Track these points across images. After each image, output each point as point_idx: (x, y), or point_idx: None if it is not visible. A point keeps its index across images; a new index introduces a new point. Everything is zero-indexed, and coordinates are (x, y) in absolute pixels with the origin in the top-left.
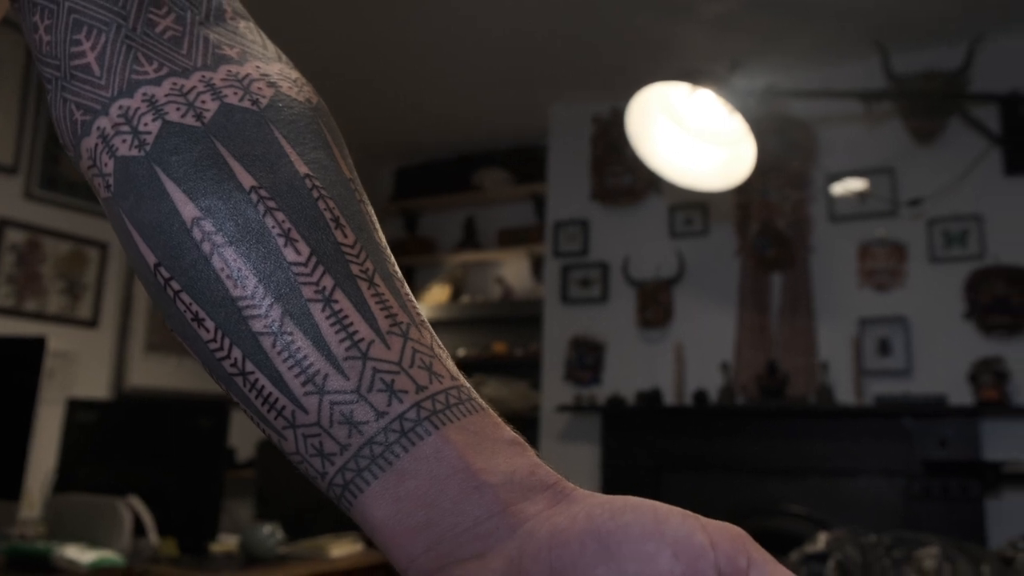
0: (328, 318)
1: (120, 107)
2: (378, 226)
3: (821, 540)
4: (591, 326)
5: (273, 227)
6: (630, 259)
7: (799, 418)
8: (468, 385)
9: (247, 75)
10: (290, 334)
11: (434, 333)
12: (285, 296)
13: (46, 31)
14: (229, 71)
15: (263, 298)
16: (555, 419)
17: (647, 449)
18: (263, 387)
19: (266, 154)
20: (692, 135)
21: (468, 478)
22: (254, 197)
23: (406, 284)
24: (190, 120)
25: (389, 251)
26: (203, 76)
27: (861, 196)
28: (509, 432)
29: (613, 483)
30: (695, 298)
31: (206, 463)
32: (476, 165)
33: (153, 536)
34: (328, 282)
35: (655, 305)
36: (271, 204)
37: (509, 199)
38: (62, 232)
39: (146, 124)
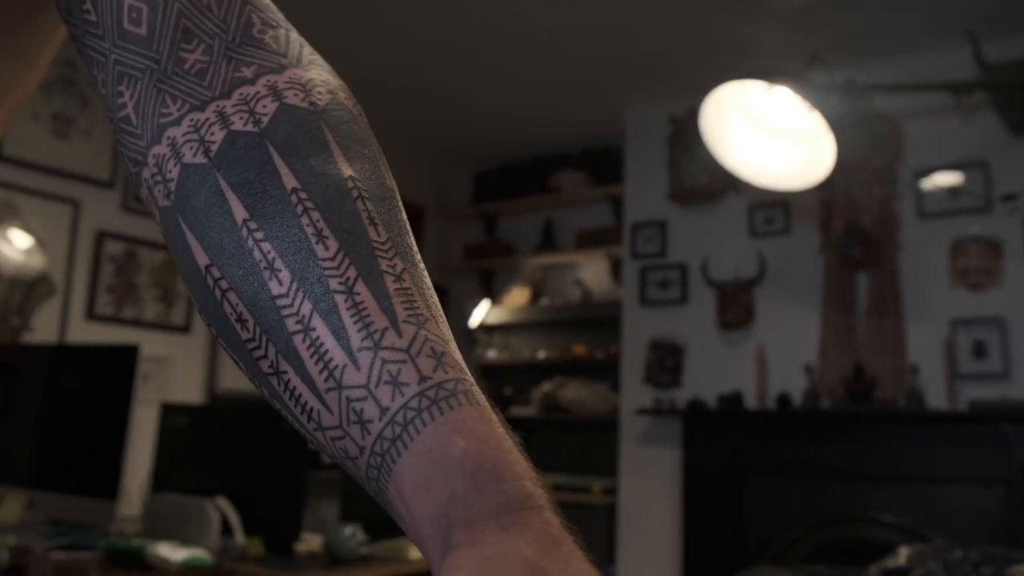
0: (349, 308)
1: (154, 156)
2: (411, 234)
3: (902, 554)
4: (671, 328)
5: (307, 225)
6: (709, 260)
7: (888, 423)
8: (471, 379)
9: (255, 94)
10: (315, 329)
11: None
12: (314, 290)
13: (101, 84)
14: (241, 94)
15: (296, 293)
16: (635, 422)
17: (729, 453)
18: (295, 387)
19: (263, 181)
20: (769, 134)
21: (467, 471)
22: (294, 199)
23: (434, 292)
24: (200, 159)
25: (421, 261)
26: (217, 106)
27: (952, 192)
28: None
29: (694, 487)
30: (777, 298)
31: (289, 466)
32: (553, 167)
33: (239, 536)
34: (352, 273)
35: (736, 306)
36: (308, 204)
37: (586, 201)
38: (157, 242)
39: (169, 171)
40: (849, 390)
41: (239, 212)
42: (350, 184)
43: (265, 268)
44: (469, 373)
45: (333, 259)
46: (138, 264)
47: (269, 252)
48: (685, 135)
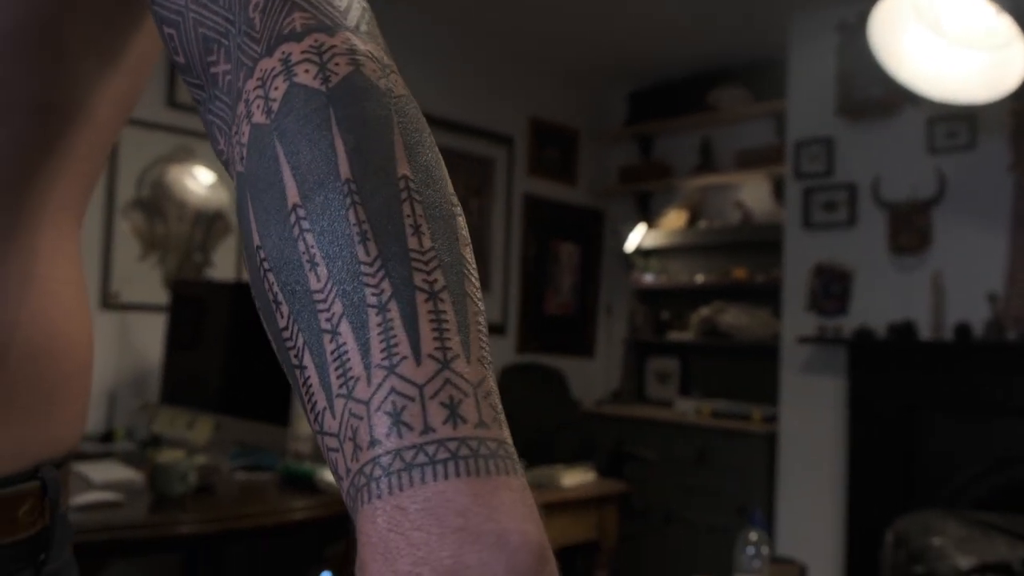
0: (378, 325)
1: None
2: (469, 244)
3: None
4: (837, 253)
5: (353, 224)
6: (881, 179)
7: None
8: (501, 439)
9: (331, 47)
10: (341, 334)
11: (490, 378)
12: (348, 294)
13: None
14: (315, 39)
15: (330, 291)
16: (797, 350)
17: (899, 386)
18: (311, 386)
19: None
20: (949, 40)
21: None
22: (346, 188)
23: (482, 315)
24: (262, 118)
25: (473, 273)
26: (283, 51)
27: None
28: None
29: (860, 421)
30: (958, 220)
31: None
32: (711, 84)
33: None
34: (387, 287)
35: (910, 229)
36: (357, 199)
37: (747, 118)
38: None
39: (243, 131)
40: None
41: (291, 193)
42: (402, 184)
43: (307, 261)
44: (486, 426)
45: (371, 264)
46: None
47: (312, 246)
48: (855, 44)
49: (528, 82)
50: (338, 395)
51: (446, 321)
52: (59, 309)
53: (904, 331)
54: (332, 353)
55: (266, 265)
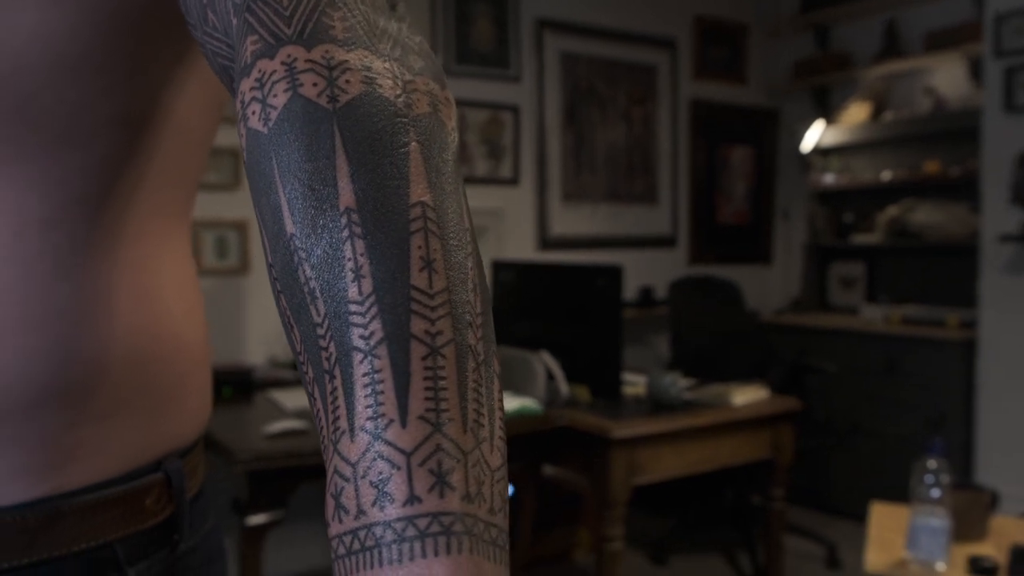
0: (364, 375)
1: (259, 69)
2: (488, 295)
3: None
4: None
5: (348, 259)
6: None
7: None
8: (488, 520)
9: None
10: (335, 378)
11: (494, 448)
12: (339, 336)
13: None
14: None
15: (327, 330)
16: (999, 249)
17: None
18: (316, 411)
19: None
20: None
21: None
22: (344, 220)
23: (495, 379)
24: (324, 101)
25: (485, 316)
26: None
27: None
28: None
29: None
30: None
31: (605, 319)
32: None
33: (563, 386)
34: (377, 330)
35: None
36: (357, 230)
37: None
38: (479, 101)
39: (275, 94)
40: None
41: (287, 219)
42: (416, 212)
43: (308, 293)
44: (471, 500)
45: (362, 304)
46: (465, 124)
47: (311, 278)
48: None
49: None
50: (324, 447)
51: (443, 379)
52: (166, 315)
53: None
54: (330, 395)
55: (302, 255)
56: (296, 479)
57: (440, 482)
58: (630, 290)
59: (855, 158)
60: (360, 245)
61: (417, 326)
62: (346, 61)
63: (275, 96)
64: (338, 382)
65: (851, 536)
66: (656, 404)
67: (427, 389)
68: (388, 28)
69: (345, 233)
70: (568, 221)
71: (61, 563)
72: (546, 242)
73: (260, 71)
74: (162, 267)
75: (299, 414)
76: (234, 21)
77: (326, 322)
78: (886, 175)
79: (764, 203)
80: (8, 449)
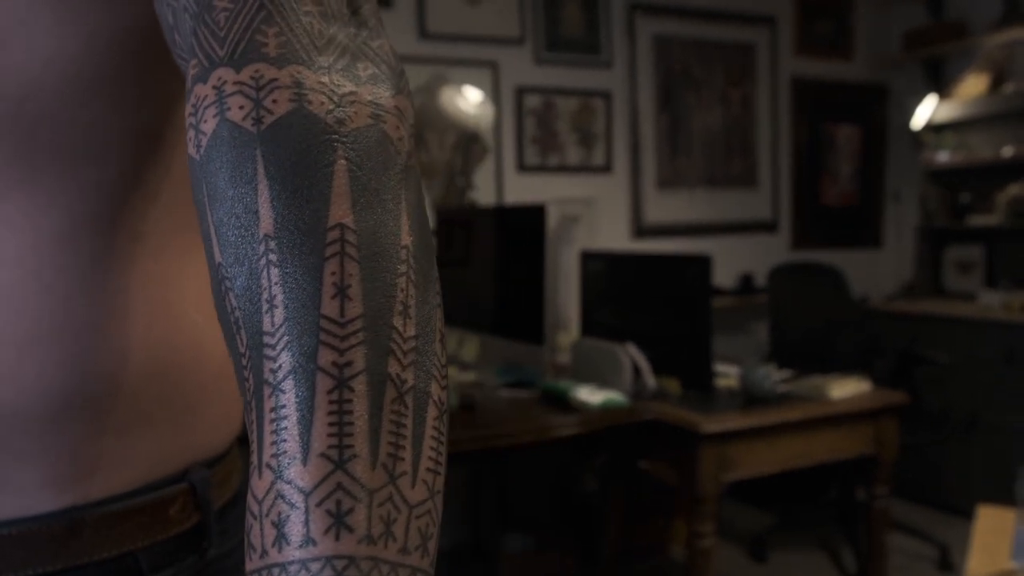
0: (270, 411)
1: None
2: (429, 318)
3: None
4: None
5: (264, 288)
6: None
7: None
8: (394, 559)
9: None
10: (252, 411)
11: (417, 482)
12: (255, 368)
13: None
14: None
15: (248, 360)
16: None
17: None
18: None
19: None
20: None
21: None
22: (262, 248)
23: (429, 407)
24: (248, 124)
25: (432, 356)
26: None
27: None
28: None
29: None
30: None
31: (695, 309)
32: None
33: (649, 378)
34: (285, 363)
35: None
36: (273, 258)
37: None
38: (570, 89)
39: (205, 119)
40: None
41: (215, 248)
42: (333, 236)
43: (233, 323)
44: (373, 541)
45: (273, 335)
46: (555, 112)
47: (235, 308)
48: None
49: None
50: (252, 472)
51: (349, 413)
52: (187, 326)
53: None
54: (250, 427)
55: (228, 284)
56: None
57: (337, 523)
58: (729, 277)
59: (972, 134)
60: (275, 274)
61: (324, 358)
62: (275, 80)
63: (205, 122)
64: (253, 415)
65: (966, 537)
66: (749, 397)
67: (331, 424)
68: (337, 36)
69: (263, 262)
70: (664, 208)
71: (84, 571)
72: (641, 230)
73: (196, 96)
74: (185, 280)
75: None
76: (192, 42)
77: (248, 353)
78: (1007, 151)
79: (873, 184)
80: (31, 461)
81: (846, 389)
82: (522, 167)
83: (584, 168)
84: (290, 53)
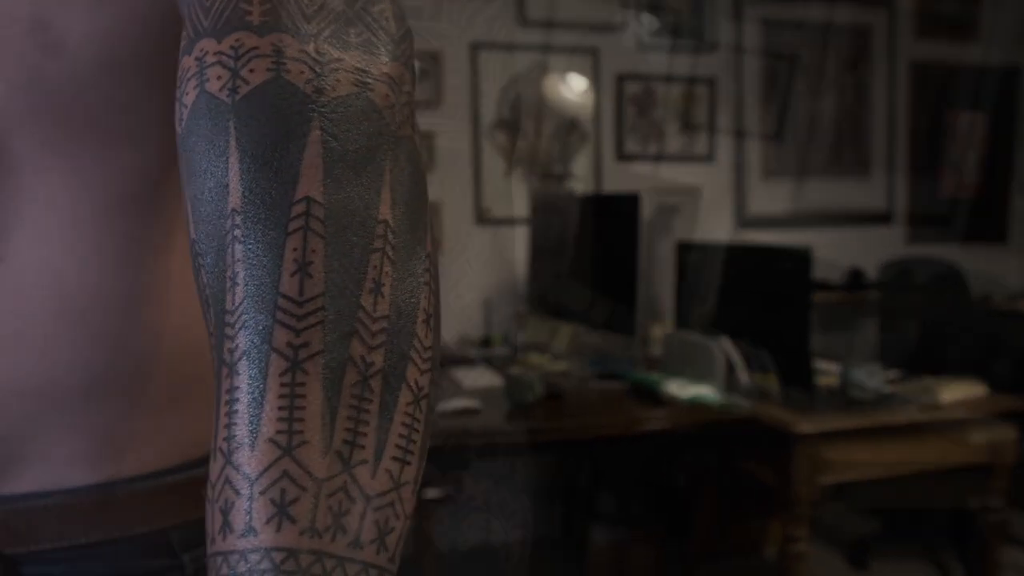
0: (226, 392)
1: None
2: (404, 298)
3: None
4: None
5: (229, 264)
6: None
7: None
8: (343, 554)
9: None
10: (218, 388)
11: (378, 471)
12: (217, 347)
13: None
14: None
15: (215, 341)
16: None
17: None
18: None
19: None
20: None
21: None
22: (229, 223)
23: (402, 392)
24: (224, 95)
25: (404, 337)
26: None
27: None
28: None
29: None
30: None
31: (793, 304)
32: None
33: (743, 374)
34: (241, 343)
35: None
36: (238, 233)
37: None
38: (672, 75)
39: (187, 92)
40: None
41: (191, 224)
42: (298, 210)
43: (203, 301)
44: (318, 534)
45: (233, 314)
46: (656, 100)
47: (205, 285)
48: None
49: None
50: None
51: (302, 396)
52: None
53: None
54: (214, 409)
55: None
56: (468, 456)
57: (280, 513)
58: (837, 271)
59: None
60: (238, 250)
61: (279, 338)
62: (255, 48)
63: (187, 95)
64: (216, 397)
65: None
66: (850, 397)
67: (281, 409)
68: (330, 3)
69: (228, 238)
70: (769, 198)
71: (116, 546)
72: (745, 220)
73: (181, 69)
74: None
75: (474, 393)
76: (184, 14)
77: (215, 331)
78: None
79: (1000, 174)
80: (66, 436)
81: (958, 392)
82: (621, 155)
83: (686, 157)
84: (274, 21)
